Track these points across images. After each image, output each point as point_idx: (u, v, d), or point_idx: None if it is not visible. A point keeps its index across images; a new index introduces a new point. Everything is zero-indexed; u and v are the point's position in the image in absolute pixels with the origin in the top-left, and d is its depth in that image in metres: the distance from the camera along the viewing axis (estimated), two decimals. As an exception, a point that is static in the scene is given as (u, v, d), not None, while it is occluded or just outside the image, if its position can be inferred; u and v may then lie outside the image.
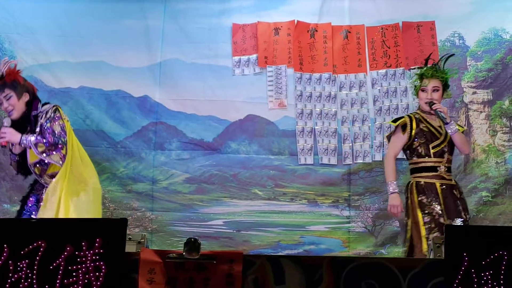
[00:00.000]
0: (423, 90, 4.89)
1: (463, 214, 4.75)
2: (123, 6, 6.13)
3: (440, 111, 4.74)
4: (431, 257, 3.15)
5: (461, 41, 5.96)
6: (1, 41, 6.02)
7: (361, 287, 2.99)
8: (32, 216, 4.47)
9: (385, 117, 5.93)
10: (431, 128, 4.87)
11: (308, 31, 6.07)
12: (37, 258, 2.88)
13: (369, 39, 6.03)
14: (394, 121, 4.94)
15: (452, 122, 4.78)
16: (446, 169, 4.82)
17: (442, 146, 4.83)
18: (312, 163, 5.94)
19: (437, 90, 4.86)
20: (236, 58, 6.08)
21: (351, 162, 5.92)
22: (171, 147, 6.04)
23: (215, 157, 6.01)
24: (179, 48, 6.09)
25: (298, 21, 6.07)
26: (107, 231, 2.92)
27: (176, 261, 3.02)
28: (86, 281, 2.87)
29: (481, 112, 5.85)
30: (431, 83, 4.87)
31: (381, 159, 5.87)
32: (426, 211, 4.74)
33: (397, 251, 5.76)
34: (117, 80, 6.05)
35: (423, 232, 4.68)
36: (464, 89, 5.85)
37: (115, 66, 6.07)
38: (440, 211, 4.72)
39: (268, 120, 6.02)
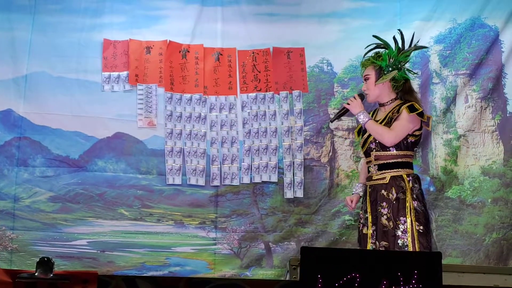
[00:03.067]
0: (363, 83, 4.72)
1: (384, 219, 4.39)
2: (-12, 15, 5.92)
3: (346, 105, 4.61)
4: (287, 278, 3.19)
5: (329, 68, 6.11)
6: None
7: (216, 308, 2.99)
8: None
9: (253, 139, 5.98)
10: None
11: (180, 52, 6.06)
12: None
13: (240, 62, 6.08)
14: None
15: (360, 113, 4.53)
16: (377, 167, 4.53)
17: (368, 143, 4.59)
18: (180, 183, 5.89)
19: (368, 79, 4.63)
20: (106, 74, 5.97)
21: (219, 184, 5.91)
22: (35, 163, 5.84)
23: (81, 175, 5.86)
24: (47, 61, 5.92)
25: (170, 41, 6.05)
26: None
27: (27, 281, 2.92)
28: None
29: (345, 138, 6.01)
30: (364, 73, 4.68)
31: (249, 182, 5.92)
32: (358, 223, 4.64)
33: (262, 273, 5.81)
34: (-21, 93, 5.81)
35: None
36: (331, 115, 5.99)
37: (-23, 78, 5.84)
38: (364, 220, 4.54)
39: (137, 138, 5.94)
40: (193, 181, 5.89)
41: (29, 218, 5.78)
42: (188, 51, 6.06)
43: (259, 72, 6.08)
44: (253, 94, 6.05)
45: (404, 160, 4.54)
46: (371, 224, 4.46)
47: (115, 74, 5.98)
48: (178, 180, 5.89)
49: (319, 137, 5.97)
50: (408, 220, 4.36)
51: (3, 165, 5.79)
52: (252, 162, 5.94)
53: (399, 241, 4.34)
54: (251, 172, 5.94)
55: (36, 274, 2.95)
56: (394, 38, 4.81)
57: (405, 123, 4.50)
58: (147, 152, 5.94)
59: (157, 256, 5.81)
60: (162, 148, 5.91)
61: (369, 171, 4.63)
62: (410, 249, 4.30)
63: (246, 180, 5.92)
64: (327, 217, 5.88)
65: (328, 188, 5.95)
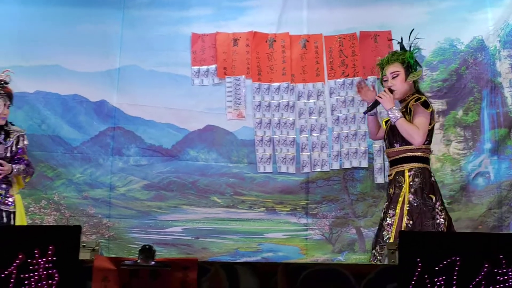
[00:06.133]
0: (385, 80, 4.60)
1: (390, 211, 4.49)
2: (80, 10, 6.07)
3: (378, 97, 4.53)
4: (385, 262, 3.18)
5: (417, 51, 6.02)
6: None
7: (316, 293, 3.01)
8: None
9: (342, 126, 5.97)
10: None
11: (266, 41, 6.09)
12: None
13: (327, 48, 6.07)
14: None
15: (392, 109, 4.44)
16: (389, 163, 4.62)
17: (385, 138, 4.67)
18: (271, 171, 5.95)
19: (397, 75, 4.55)
20: (195, 68, 6.07)
21: (309, 171, 5.94)
22: (129, 152, 6.00)
23: (174, 163, 5.99)
24: (138, 55, 6.06)
25: (256, 32, 6.09)
26: (60, 238, 2.88)
27: (130, 268, 2.99)
28: (38, 289, 2.83)
29: (436, 121, 5.90)
30: (389, 69, 4.59)
31: (339, 168, 5.93)
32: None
33: (355, 258, 5.81)
34: (73, 85, 5.98)
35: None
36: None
37: (71, 70, 5.99)
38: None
39: (227, 130, 6.02)
40: (283, 169, 5.94)
41: (124, 206, 5.94)
42: (275, 40, 6.08)
43: (346, 57, 6.04)
44: (340, 80, 6.02)
45: None
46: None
47: (204, 68, 6.07)
48: (269, 168, 5.95)
49: (409, 121, 5.89)
50: None
51: (98, 154, 5.97)
52: (342, 148, 5.93)
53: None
54: (340, 158, 5.93)
55: (138, 261, 3.00)
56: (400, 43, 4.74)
57: (425, 121, 4.55)
58: (237, 143, 6.01)
59: (250, 242, 5.89)
60: (252, 138, 5.98)
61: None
62: None
63: (335, 166, 5.93)
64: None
65: (419, 172, 5.87)
